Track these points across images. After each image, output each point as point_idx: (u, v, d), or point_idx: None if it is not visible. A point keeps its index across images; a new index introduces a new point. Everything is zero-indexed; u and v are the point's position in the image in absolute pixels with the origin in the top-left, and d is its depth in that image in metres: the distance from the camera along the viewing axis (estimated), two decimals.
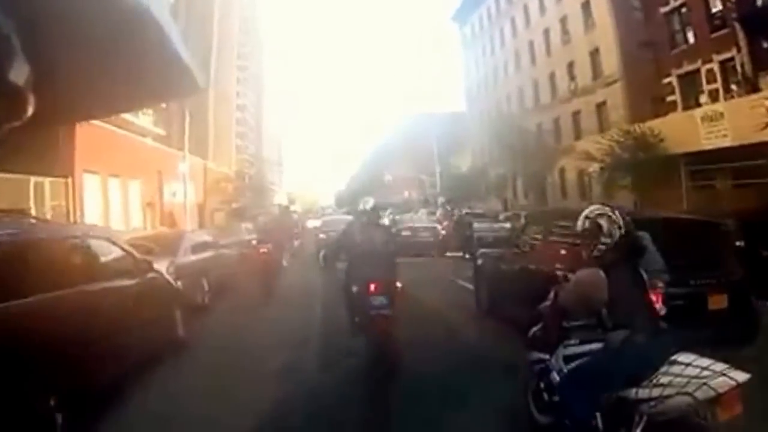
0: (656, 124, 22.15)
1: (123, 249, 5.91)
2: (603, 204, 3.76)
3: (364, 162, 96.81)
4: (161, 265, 8.16)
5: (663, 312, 4.56)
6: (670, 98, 25.97)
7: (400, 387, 5.27)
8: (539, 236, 7.68)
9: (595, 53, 32.07)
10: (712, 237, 6.19)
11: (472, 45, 53.43)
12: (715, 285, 5.36)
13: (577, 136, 33.53)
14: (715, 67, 23.62)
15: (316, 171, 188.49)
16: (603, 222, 3.55)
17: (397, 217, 27.72)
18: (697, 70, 24.48)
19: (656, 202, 20.76)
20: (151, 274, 6.18)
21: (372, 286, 5.81)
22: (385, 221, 23.82)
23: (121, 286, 5.39)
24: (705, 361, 3.14)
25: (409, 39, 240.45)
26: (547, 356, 3.97)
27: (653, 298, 4.55)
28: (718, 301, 5.29)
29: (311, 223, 33.10)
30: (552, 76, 37.47)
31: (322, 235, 20.04)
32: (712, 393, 2.97)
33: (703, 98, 24.16)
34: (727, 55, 22.90)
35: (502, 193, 40.47)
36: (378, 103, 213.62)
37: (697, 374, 3.06)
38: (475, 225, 23.17)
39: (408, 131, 68.39)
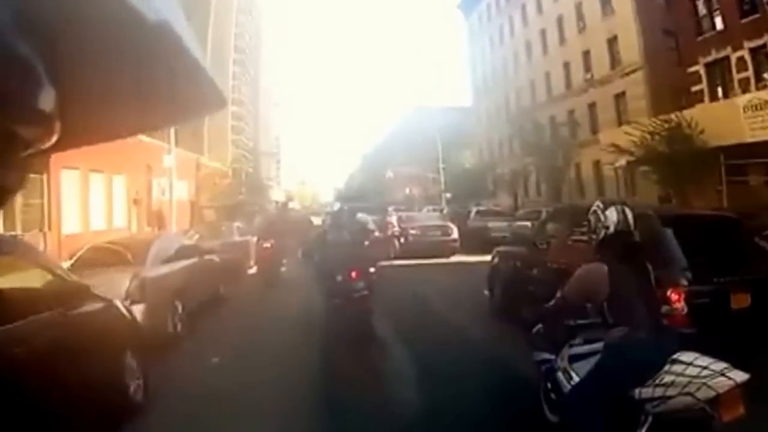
0: (694, 113, 20.09)
1: (48, 269, 4.26)
2: (603, 200, 3.81)
3: (365, 158, 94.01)
4: (122, 281, 6.55)
5: (685, 311, 4.55)
6: (695, 88, 24.28)
7: None
8: (561, 233, 7.61)
9: (613, 41, 30.36)
10: (735, 234, 6.01)
11: (479, 35, 51.61)
12: (738, 283, 5.09)
13: (594, 129, 31.78)
14: (746, 54, 21.90)
15: (316, 167, 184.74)
16: (592, 218, 3.63)
17: (403, 214, 26.03)
18: (727, 58, 22.77)
19: (692, 198, 19.05)
20: (91, 305, 4.51)
21: (353, 273, 7.22)
22: (392, 219, 22.49)
23: (37, 325, 3.70)
24: (705, 360, 3.10)
25: (412, 29, 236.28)
26: (552, 356, 3.99)
27: (675, 296, 4.59)
28: (740, 300, 5.04)
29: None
30: (566, 67, 35.69)
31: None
32: (712, 393, 2.94)
33: (728, 88, 22.63)
34: (759, 41, 21.20)
35: (513, 190, 38.58)
36: (380, 97, 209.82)
37: (697, 374, 3.03)
38: (492, 225, 21.56)
39: (411, 126, 66.43)
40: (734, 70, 22.41)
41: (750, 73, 21.72)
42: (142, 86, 0.72)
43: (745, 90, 21.51)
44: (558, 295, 3.74)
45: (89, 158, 17.47)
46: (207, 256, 10.01)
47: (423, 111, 65.45)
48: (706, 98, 23.53)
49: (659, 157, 19.79)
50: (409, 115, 71.35)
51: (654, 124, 20.45)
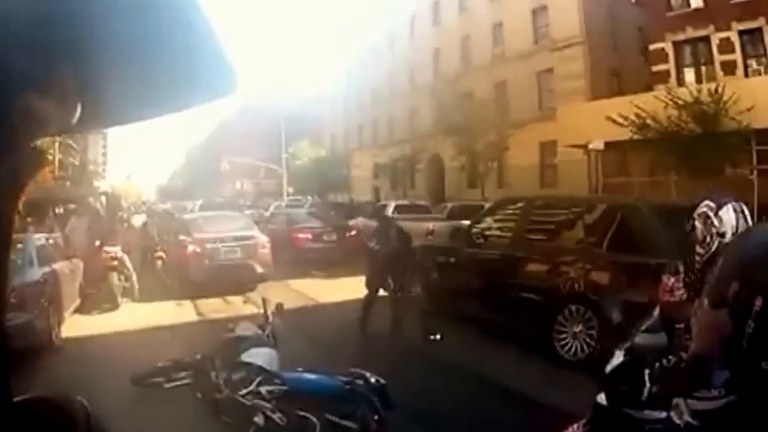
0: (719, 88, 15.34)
1: None
2: (712, 198, 2.61)
3: (192, 149, 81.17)
4: None
5: (685, 297, 3.78)
6: (658, 68, 20.56)
7: None
8: (514, 229, 7.63)
9: (540, 12, 25.83)
10: None
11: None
12: None
13: (503, 112, 26.79)
14: (734, 36, 18.62)
15: (142, 161, 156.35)
16: (698, 224, 2.51)
17: (191, 216, 17.10)
18: (706, 38, 19.29)
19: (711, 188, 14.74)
20: None
21: None
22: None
23: None
24: None
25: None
26: (663, 414, 2.99)
27: (677, 284, 3.86)
28: None
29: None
30: (465, 41, 30.58)
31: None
32: None
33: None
34: (752, 25, 18.26)
35: (396, 180, 32.67)
36: None
37: None
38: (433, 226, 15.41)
39: (252, 112, 58.00)
40: (716, 51, 19.02)
41: (737, 56, 18.53)
42: (163, 65, 0.68)
43: (730, 72, 18.30)
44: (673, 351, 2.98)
45: None
46: None
47: (267, 96, 57.74)
48: (673, 79, 19.99)
49: (682, 138, 15.12)
50: (249, 100, 61.93)
51: (670, 96, 15.55)
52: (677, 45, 20.15)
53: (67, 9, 0.57)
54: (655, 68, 20.64)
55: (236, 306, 10.03)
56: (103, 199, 16.29)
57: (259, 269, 11.46)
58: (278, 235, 14.07)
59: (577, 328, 6.19)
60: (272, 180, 46.74)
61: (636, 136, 16.25)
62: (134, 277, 10.38)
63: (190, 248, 11.49)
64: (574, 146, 19.33)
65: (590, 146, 17.92)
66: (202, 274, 10.87)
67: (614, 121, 16.23)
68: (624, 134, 16.41)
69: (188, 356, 4.56)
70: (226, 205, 24.51)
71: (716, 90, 14.91)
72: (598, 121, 17.21)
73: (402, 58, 36.46)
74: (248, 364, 3.94)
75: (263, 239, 12.09)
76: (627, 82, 23.46)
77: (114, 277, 9.75)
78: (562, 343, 6.29)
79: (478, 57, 29.65)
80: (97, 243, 10.08)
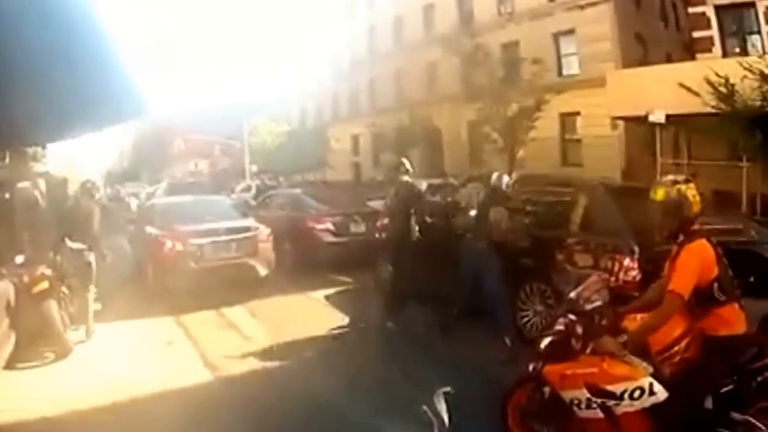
0: None
1: None
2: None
3: (144, 126, 74.53)
4: None
5: (639, 278, 4.87)
6: (699, 34, 19.68)
7: None
8: None
9: None
10: None
11: None
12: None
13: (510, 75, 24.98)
14: None
15: (87, 145, 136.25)
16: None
17: (163, 202, 13.15)
18: (752, 4, 18.43)
19: None
20: None
21: None
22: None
23: None
24: None
25: None
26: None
27: (631, 264, 5.03)
28: None
29: None
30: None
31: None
32: None
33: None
34: None
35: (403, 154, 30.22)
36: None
37: None
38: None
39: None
40: (762, 20, 18.23)
41: None
42: (69, 89, 0.97)
43: None
44: None
45: None
46: None
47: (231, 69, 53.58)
48: (717, 47, 19.16)
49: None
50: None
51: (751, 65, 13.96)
52: (721, 10, 19.27)
53: None
54: (696, 35, 19.78)
55: (257, 341, 6.62)
56: (42, 183, 11.57)
57: (262, 271, 9.25)
58: (282, 227, 10.73)
59: (539, 307, 6.32)
60: (230, 158, 42.94)
61: (709, 109, 14.96)
62: (90, 295, 6.86)
63: (168, 245, 8.73)
64: (625, 118, 18.18)
65: (651, 118, 16.56)
66: (187, 280, 8.47)
67: (689, 90, 14.93)
68: (689, 107, 15.36)
69: None
70: (198, 188, 20.25)
71: None
72: (661, 89, 15.69)
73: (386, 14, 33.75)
74: None
75: (263, 231, 9.60)
76: (651, 49, 22.66)
77: (52, 307, 6.03)
78: (525, 321, 6.40)
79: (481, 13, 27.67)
80: (19, 258, 6.14)
